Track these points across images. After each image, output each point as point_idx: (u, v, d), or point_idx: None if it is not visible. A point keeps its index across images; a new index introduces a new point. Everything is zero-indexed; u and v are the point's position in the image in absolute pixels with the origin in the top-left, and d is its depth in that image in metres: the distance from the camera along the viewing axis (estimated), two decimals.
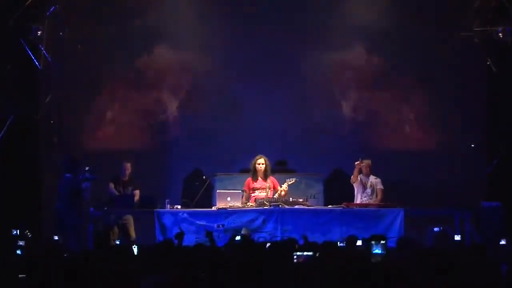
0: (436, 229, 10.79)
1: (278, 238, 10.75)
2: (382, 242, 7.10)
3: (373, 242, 7.10)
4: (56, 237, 10.92)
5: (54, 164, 12.94)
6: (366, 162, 12.03)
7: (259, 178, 11.94)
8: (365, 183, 12.04)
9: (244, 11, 14.05)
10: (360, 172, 12.04)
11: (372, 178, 12.07)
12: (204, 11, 14.06)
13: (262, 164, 11.92)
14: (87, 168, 11.49)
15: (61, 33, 13.46)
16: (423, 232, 11.25)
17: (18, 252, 7.40)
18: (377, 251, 7.07)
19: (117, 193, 11.97)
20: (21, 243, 8.28)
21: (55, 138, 13.55)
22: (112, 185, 12.04)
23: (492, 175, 13.51)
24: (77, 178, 11.44)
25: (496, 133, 13.59)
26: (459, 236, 10.49)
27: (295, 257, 6.25)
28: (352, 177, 12.09)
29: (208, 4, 14.13)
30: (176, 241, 8.74)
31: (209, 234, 9.39)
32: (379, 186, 11.99)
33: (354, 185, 12.12)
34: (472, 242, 10.90)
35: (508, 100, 13.44)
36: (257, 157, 12.00)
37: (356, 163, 12.01)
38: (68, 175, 11.55)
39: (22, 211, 12.54)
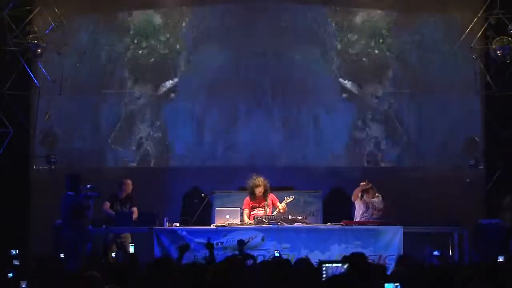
0: (435, 252, 10.71)
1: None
2: None
3: None
4: (61, 255, 10.84)
5: (51, 182, 12.94)
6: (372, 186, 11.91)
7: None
8: (369, 203, 11.91)
9: (244, 26, 14.09)
10: (363, 192, 11.92)
11: (374, 198, 11.96)
12: (203, 26, 14.15)
13: (261, 191, 11.75)
14: (89, 186, 11.40)
15: (60, 51, 13.46)
16: (421, 250, 11.18)
17: (10, 275, 7.30)
18: None
19: (113, 212, 11.90)
20: (16, 262, 8.24)
21: (52, 156, 13.56)
22: (107, 205, 11.97)
23: (491, 192, 13.49)
24: (79, 196, 11.37)
25: (494, 150, 13.58)
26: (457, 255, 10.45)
27: (324, 269, 6.19)
28: (353, 194, 12.00)
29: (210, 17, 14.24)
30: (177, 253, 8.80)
31: (210, 246, 9.46)
32: (379, 205, 11.90)
33: (356, 203, 12.00)
34: (470, 260, 10.86)
35: (507, 116, 13.45)
36: (255, 182, 11.71)
37: (361, 183, 11.86)
38: (70, 192, 11.49)
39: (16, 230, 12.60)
